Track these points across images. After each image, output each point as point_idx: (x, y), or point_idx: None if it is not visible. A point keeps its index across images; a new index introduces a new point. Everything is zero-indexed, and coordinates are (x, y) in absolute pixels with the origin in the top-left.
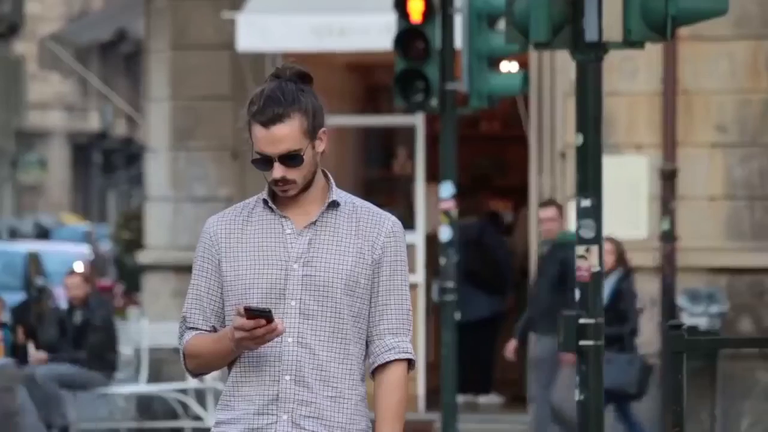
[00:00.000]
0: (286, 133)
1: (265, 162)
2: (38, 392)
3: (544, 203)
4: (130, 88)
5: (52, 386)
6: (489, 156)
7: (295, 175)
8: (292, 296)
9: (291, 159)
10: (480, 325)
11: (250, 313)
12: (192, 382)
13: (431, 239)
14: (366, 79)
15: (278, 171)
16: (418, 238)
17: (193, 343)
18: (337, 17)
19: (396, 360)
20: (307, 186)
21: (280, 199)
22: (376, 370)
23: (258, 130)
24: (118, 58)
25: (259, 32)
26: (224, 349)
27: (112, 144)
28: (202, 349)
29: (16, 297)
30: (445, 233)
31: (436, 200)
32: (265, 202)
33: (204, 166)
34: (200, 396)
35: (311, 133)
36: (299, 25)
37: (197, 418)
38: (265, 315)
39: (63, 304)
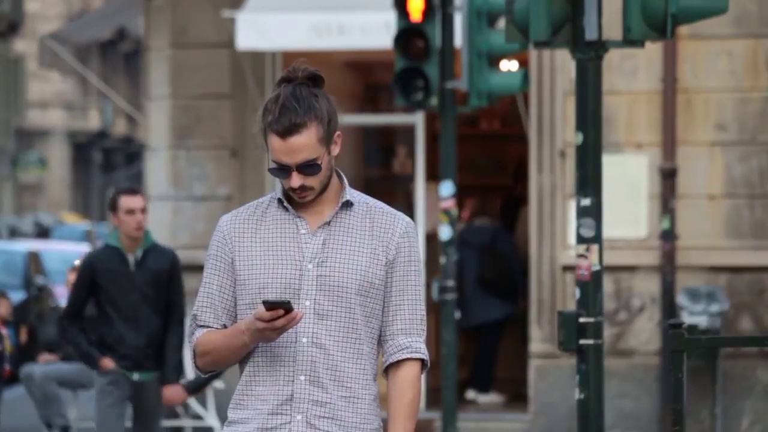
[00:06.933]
0: (303, 144)
1: (282, 171)
2: (38, 392)
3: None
4: (129, 86)
5: (51, 386)
6: (489, 154)
7: (313, 182)
8: (306, 296)
9: (309, 168)
10: (493, 327)
11: (269, 305)
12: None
13: (431, 238)
14: (365, 78)
15: (296, 180)
16: (418, 237)
17: (203, 340)
18: (336, 15)
19: (409, 359)
20: (323, 189)
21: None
22: (389, 369)
23: (274, 141)
24: (117, 56)
25: (259, 31)
26: (237, 344)
27: (111, 143)
28: (214, 345)
29: (16, 296)
30: (444, 232)
31: (436, 199)
32: (279, 201)
33: (204, 165)
34: (200, 395)
35: (327, 139)
36: (299, 23)
37: (197, 417)
38: (285, 306)
39: (63, 303)
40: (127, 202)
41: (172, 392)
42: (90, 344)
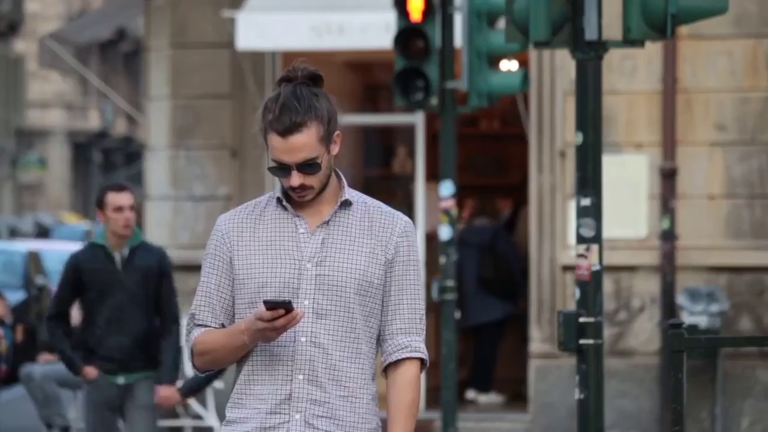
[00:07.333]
0: (304, 143)
1: (282, 170)
2: (38, 392)
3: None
4: (129, 86)
5: (51, 386)
6: (489, 154)
7: (313, 181)
8: (305, 295)
9: (308, 167)
10: (492, 327)
11: (270, 305)
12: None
13: (431, 238)
14: (365, 78)
15: (296, 179)
16: (417, 237)
17: (202, 339)
18: (336, 15)
19: (408, 359)
20: (322, 189)
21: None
22: (389, 369)
23: (275, 140)
24: (117, 56)
25: (259, 30)
26: (236, 344)
27: (111, 143)
28: (213, 344)
29: (16, 296)
30: (444, 232)
31: (435, 199)
32: (278, 200)
33: (204, 165)
34: (200, 395)
35: (327, 138)
36: (299, 23)
37: (197, 417)
38: (285, 306)
39: None
40: (114, 199)
41: (166, 393)
42: (74, 349)
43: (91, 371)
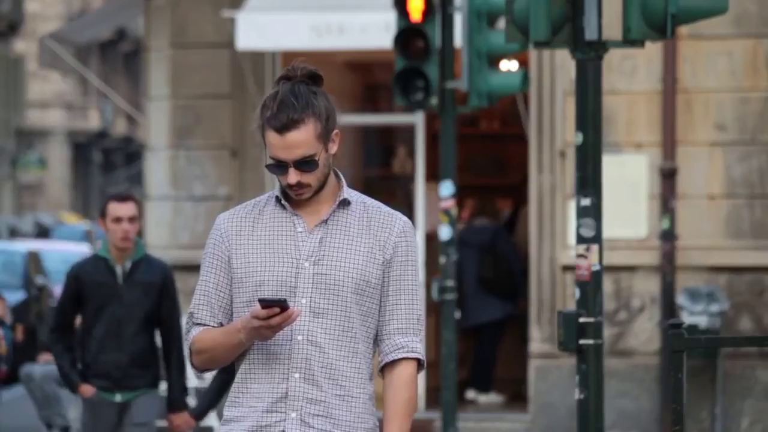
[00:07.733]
0: (301, 140)
1: (279, 167)
2: (38, 392)
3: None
4: (129, 86)
5: (51, 386)
6: (489, 154)
7: (310, 179)
8: (302, 294)
9: (306, 164)
10: (492, 327)
11: (265, 303)
12: (192, 381)
13: (431, 238)
14: (365, 78)
15: (293, 176)
16: (417, 237)
17: (200, 338)
18: (336, 15)
19: (404, 359)
20: (321, 187)
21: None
22: (385, 369)
23: (272, 137)
24: (117, 56)
25: (259, 30)
26: (233, 343)
27: (111, 143)
28: (211, 343)
29: (16, 296)
30: (444, 232)
31: (435, 199)
32: (277, 199)
33: (204, 165)
34: (200, 395)
35: (325, 136)
36: (299, 23)
37: None
38: (281, 304)
39: None
40: (115, 209)
41: (180, 421)
42: (73, 365)
43: (87, 389)
